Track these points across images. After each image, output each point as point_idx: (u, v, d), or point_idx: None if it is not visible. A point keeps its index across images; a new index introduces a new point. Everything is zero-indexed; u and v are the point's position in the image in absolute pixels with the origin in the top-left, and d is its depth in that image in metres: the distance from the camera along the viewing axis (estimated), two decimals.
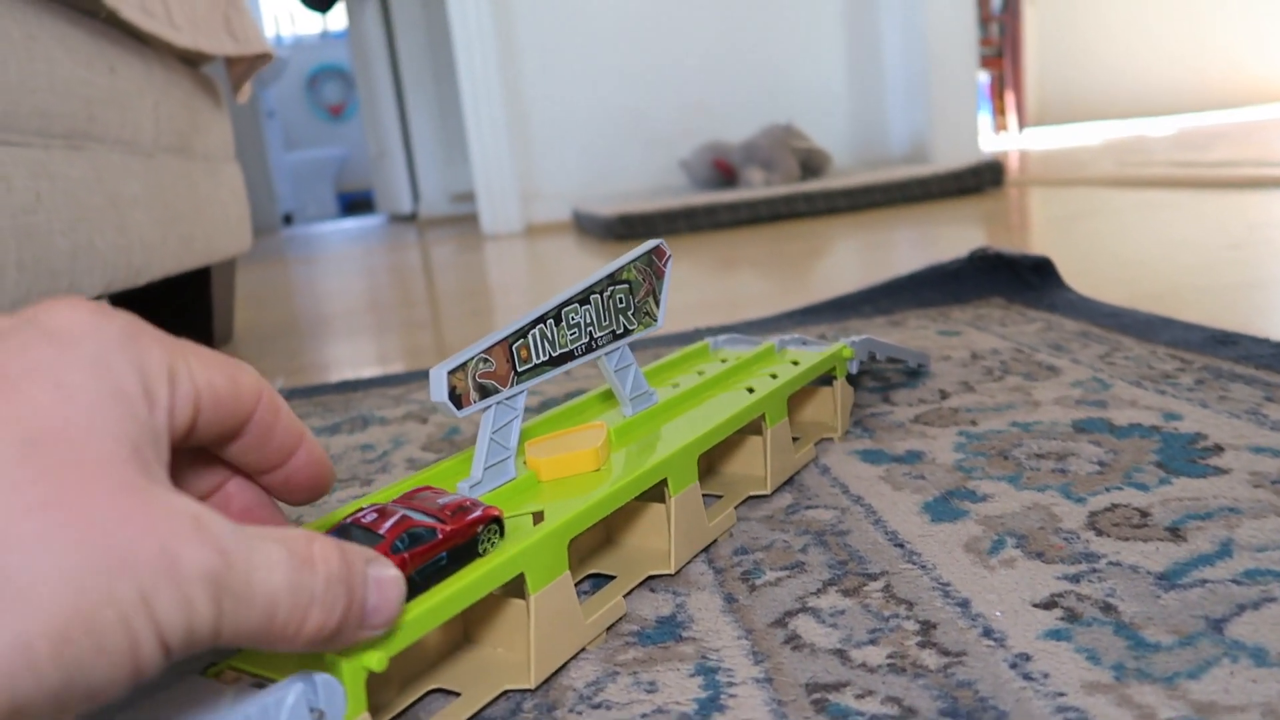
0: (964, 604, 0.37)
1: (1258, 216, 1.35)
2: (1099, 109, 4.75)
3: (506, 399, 0.40)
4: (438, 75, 3.73)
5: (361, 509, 0.33)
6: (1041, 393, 0.62)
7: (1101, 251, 1.21)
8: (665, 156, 2.86)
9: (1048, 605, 0.36)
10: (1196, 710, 0.29)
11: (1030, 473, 0.49)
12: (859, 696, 0.32)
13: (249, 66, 1.19)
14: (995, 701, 0.30)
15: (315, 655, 0.29)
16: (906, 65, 2.77)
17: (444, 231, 3.16)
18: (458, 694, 0.34)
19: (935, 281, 0.96)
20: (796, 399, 0.59)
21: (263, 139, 5.04)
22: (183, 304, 1.24)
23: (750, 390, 0.51)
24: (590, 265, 1.77)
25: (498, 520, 0.34)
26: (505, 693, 0.34)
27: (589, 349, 0.45)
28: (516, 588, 0.34)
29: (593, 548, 0.45)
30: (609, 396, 0.53)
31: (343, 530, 0.32)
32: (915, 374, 0.69)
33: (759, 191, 2.25)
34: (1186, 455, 0.48)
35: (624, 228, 2.09)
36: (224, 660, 0.29)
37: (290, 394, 0.88)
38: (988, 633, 0.34)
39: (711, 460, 0.53)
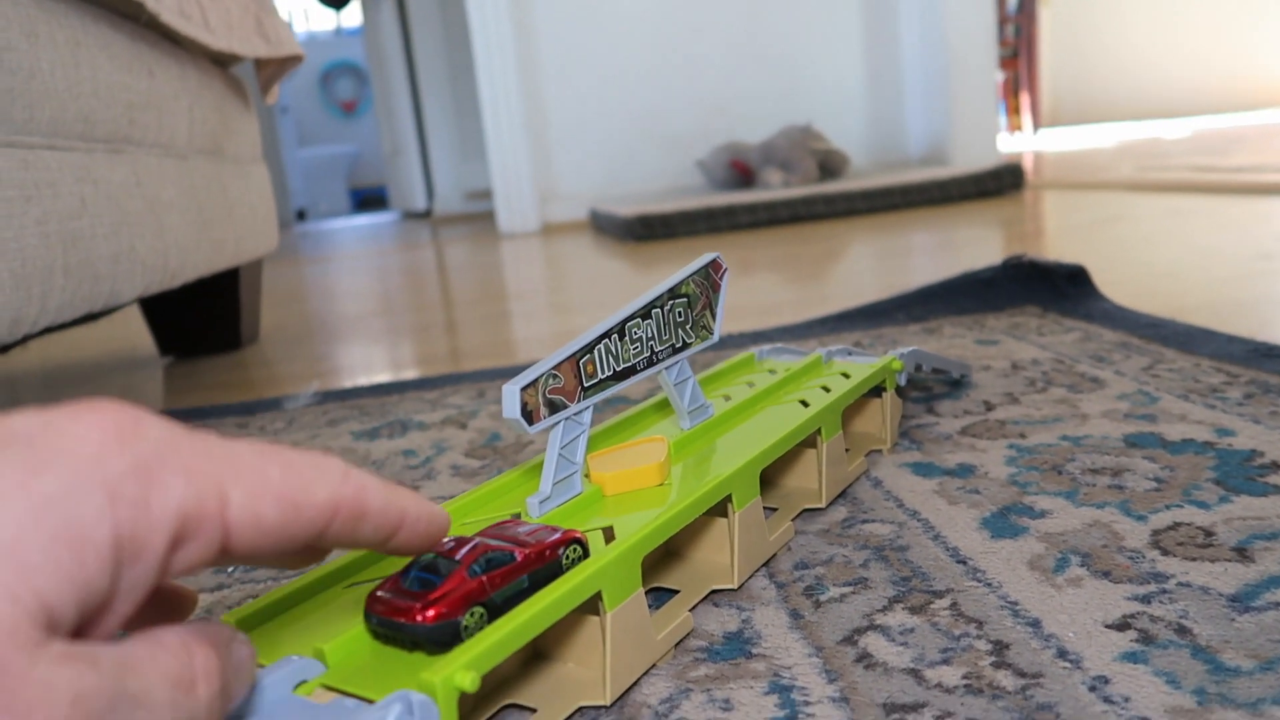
0: (1035, 624, 0.37)
1: None
2: (1113, 110, 4.74)
3: (574, 414, 0.40)
4: (453, 72, 3.74)
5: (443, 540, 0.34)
6: (1088, 405, 0.62)
7: (1130, 260, 1.20)
8: (683, 157, 2.86)
9: (1120, 626, 0.36)
10: None
11: (1086, 488, 0.49)
12: (939, 718, 0.32)
13: (279, 68, 1.20)
14: None
15: (409, 674, 0.29)
16: (925, 67, 2.77)
17: (459, 230, 3.16)
18: (533, 710, 0.34)
19: (969, 289, 0.96)
20: (846, 411, 0.59)
21: (276, 135, 5.05)
22: (212, 305, 1.24)
23: (804, 403, 0.51)
24: (607, 266, 1.77)
25: (579, 542, 0.34)
26: (580, 709, 0.35)
27: (650, 363, 0.45)
28: (590, 604, 0.35)
29: (654, 560, 0.45)
30: (663, 406, 0.53)
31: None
32: (957, 384, 0.69)
33: (777, 193, 2.24)
34: (1244, 473, 0.48)
35: (642, 228, 2.09)
36: (315, 678, 0.30)
37: (325, 397, 0.89)
38: (1062, 654, 0.34)
39: (765, 472, 0.53)
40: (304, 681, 0.30)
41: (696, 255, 0.49)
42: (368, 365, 1.12)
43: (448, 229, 3.26)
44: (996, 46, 2.91)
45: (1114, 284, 1.00)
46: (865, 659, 0.36)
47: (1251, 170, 2.03)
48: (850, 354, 0.62)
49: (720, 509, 0.43)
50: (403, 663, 0.30)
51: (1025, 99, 4.55)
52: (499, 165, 2.73)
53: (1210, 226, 1.42)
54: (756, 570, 0.44)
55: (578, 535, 0.35)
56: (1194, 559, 0.40)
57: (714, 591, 0.42)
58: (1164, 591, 0.38)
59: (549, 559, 0.34)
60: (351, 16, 5.49)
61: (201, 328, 1.25)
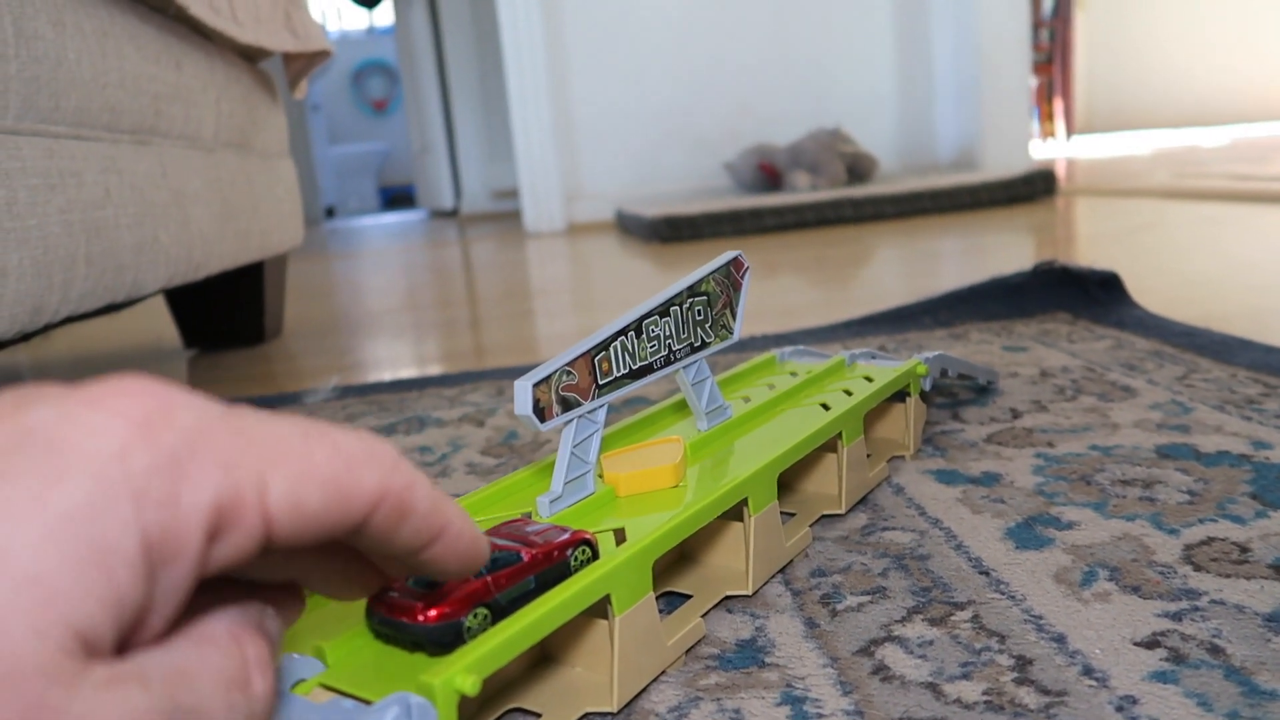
0: (1059, 639, 0.35)
1: None
2: (1149, 117, 4.67)
3: (588, 412, 0.40)
4: (483, 72, 3.75)
5: None
6: (1119, 414, 0.60)
7: (1164, 268, 1.18)
8: (710, 159, 2.85)
9: (1150, 645, 0.34)
10: None
11: (1116, 500, 0.47)
12: None
13: (307, 63, 1.20)
14: None
15: (408, 675, 0.28)
16: (957, 70, 2.74)
17: (485, 228, 3.17)
18: (538, 715, 0.33)
19: (997, 294, 0.94)
20: (868, 415, 0.58)
21: (307, 132, 5.09)
22: (236, 298, 1.25)
23: (825, 406, 0.50)
24: (632, 267, 1.76)
25: (589, 543, 0.34)
26: (587, 715, 0.34)
27: (668, 362, 0.44)
28: (599, 607, 0.34)
29: (667, 564, 0.44)
30: (680, 407, 0.52)
31: None
32: (984, 391, 0.68)
33: (805, 196, 2.23)
34: None
35: (668, 230, 2.08)
36: (313, 677, 0.29)
37: (344, 392, 0.88)
38: (1088, 671, 0.33)
39: (784, 476, 0.52)
40: (302, 680, 0.29)
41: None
42: (391, 361, 1.12)
43: (474, 228, 3.27)
44: (1030, 51, 2.87)
45: (1147, 292, 0.98)
46: (882, 671, 0.35)
47: None
48: (874, 357, 0.60)
49: (736, 513, 0.42)
50: (403, 664, 0.30)
51: (1059, 105, 4.50)
52: (526, 165, 2.73)
53: (1247, 235, 1.39)
54: (772, 576, 0.43)
55: (587, 536, 0.34)
56: (1228, 575, 0.38)
57: (728, 597, 0.41)
58: (1196, 609, 0.36)
59: (557, 560, 0.33)
60: (384, 16, 5.52)
61: (225, 321, 1.26)
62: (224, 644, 0.20)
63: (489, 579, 0.31)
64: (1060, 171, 2.89)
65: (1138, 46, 4.65)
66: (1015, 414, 0.62)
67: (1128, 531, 0.43)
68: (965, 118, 2.74)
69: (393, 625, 0.30)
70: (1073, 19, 4.46)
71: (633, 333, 0.42)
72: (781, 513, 0.47)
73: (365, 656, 0.30)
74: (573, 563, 0.33)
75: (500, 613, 0.31)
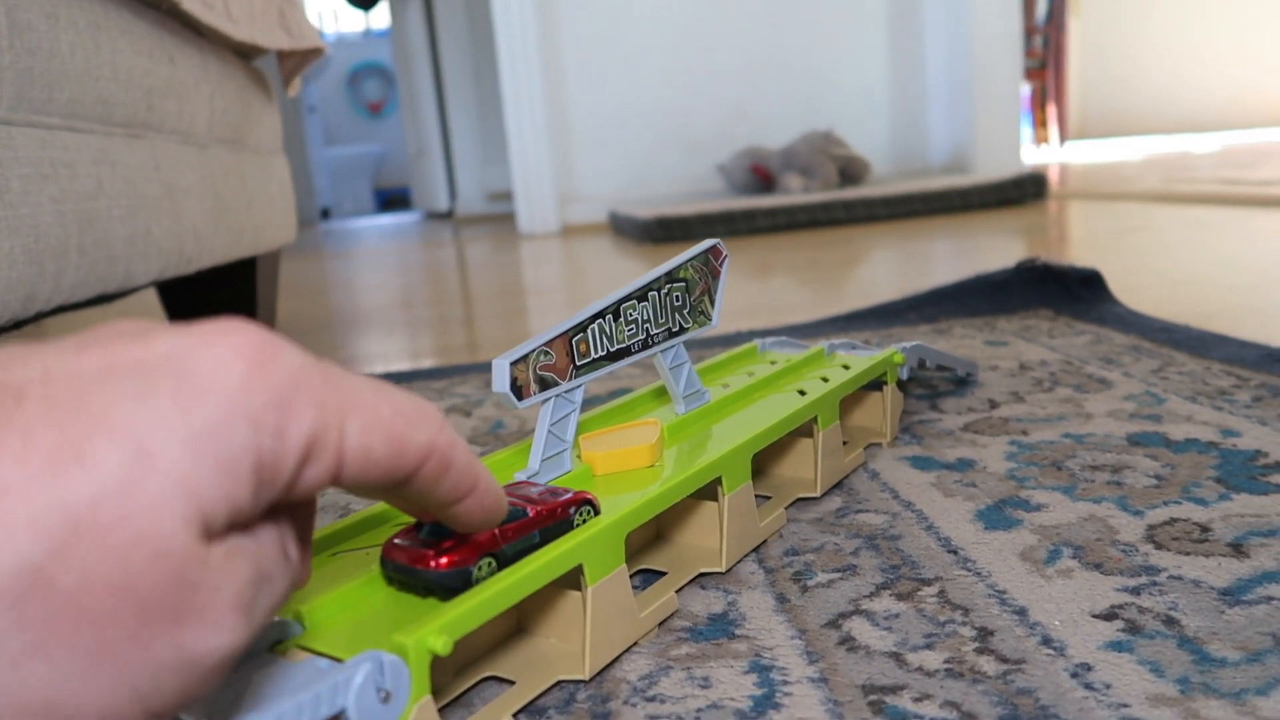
0: (1021, 612, 0.36)
1: None
2: (1142, 123, 4.69)
3: (565, 392, 0.41)
4: (478, 75, 3.76)
5: None
6: (1093, 405, 0.61)
7: (1148, 268, 1.19)
8: (704, 161, 2.86)
9: (1108, 616, 0.35)
10: None
11: (1085, 484, 0.48)
12: (917, 700, 0.31)
13: (301, 61, 1.21)
14: (1056, 710, 0.30)
15: (382, 636, 0.29)
16: (950, 75, 2.75)
17: (480, 230, 3.17)
18: (512, 682, 0.34)
19: (981, 291, 0.95)
20: (846, 403, 0.59)
21: (303, 134, 5.10)
22: (228, 293, 1.25)
23: (802, 393, 0.51)
24: (625, 267, 1.77)
25: (590, 503, 0.36)
26: (559, 683, 0.34)
27: (645, 346, 0.45)
28: (572, 579, 0.35)
29: (644, 543, 0.45)
30: (660, 394, 0.53)
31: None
32: (963, 382, 0.69)
33: (797, 198, 2.24)
34: (1247, 472, 0.47)
35: (661, 231, 2.09)
36: (291, 638, 0.30)
37: None
38: (1047, 641, 0.34)
39: (761, 461, 0.53)
40: (280, 641, 0.30)
41: None
42: (382, 356, 1.13)
43: (469, 229, 3.28)
44: (1022, 56, 2.89)
45: (1131, 290, 0.99)
46: (848, 642, 0.36)
47: (1278, 184, 2.00)
48: (854, 348, 0.61)
49: (711, 493, 0.43)
50: (379, 626, 0.30)
51: (1053, 111, 4.52)
52: (520, 167, 2.74)
53: (1232, 237, 1.40)
54: (746, 555, 0.44)
55: (589, 496, 0.36)
56: (1188, 553, 0.39)
57: (702, 574, 0.42)
58: (1155, 584, 0.37)
59: (560, 517, 0.35)
60: (380, 18, 5.54)
61: (218, 316, 1.26)
62: (270, 523, 0.23)
63: (496, 531, 0.32)
64: (1053, 176, 2.90)
65: (1131, 53, 4.68)
66: (993, 404, 0.63)
67: (1094, 513, 0.44)
68: (957, 122, 2.76)
69: (406, 572, 0.32)
70: (1066, 25, 4.48)
71: (610, 316, 0.43)
72: (758, 496, 0.48)
73: (343, 619, 0.31)
74: (576, 520, 0.35)
75: (505, 562, 0.32)
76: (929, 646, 0.35)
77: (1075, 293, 0.92)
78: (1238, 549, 0.39)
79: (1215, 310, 0.89)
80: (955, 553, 0.42)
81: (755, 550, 0.44)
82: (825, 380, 0.53)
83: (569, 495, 0.35)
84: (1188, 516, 0.43)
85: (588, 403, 0.73)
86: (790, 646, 0.36)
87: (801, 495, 0.49)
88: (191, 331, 0.22)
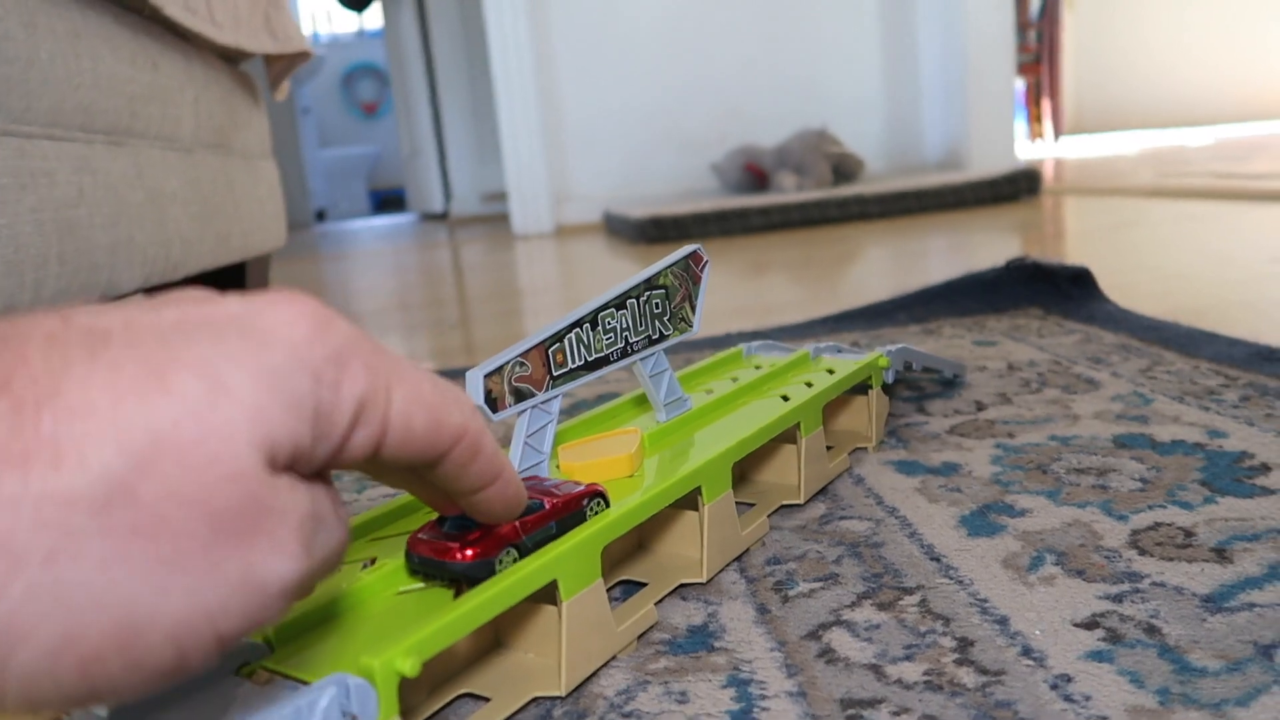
0: (1002, 621, 0.36)
1: None
2: (1136, 118, 4.69)
3: (541, 403, 0.40)
4: (472, 75, 3.75)
5: None
6: (1080, 406, 0.61)
7: (1141, 263, 1.19)
8: (697, 160, 2.86)
9: (1089, 625, 0.35)
10: None
11: (1070, 488, 0.48)
12: (895, 714, 0.31)
13: (288, 64, 1.20)
14: None
15: (349, 659, 0.29)
16: (943, 71, 2.75)
17: (475, 231, 3.17)
18: (487, 699, 0.34)
19: (971, 290, 0.95)
20: (830, 407, 0.58)
21: (297, 136, 5.09)
22: None
23: (785, 398, 0.51)
24: (619, 267, 1.76)
25: (602, 495, 0.37)
26: (535, 699, 0.34)
27: (624, 354, 0.44)
28: (549, 594, 0.34)
29: (624, 554, 0.44)
30: (642, 401, 0.52)
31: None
32: (951, 384, 0.68)
33: (791, 196, 2.23)
34: (1232, 474, 0.47)
35: (655, 230, 2.08)
36: (257, 661, 0.29)
37: None
38: (1027, 651, 0.34)
39: (744, 468, 0.52)
40: (246, 664, 0.29)
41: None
42: None
43: (464, 230, 3.27)
44: (1015, 52, 2.88)
45: (1124, 286, 0.98)
46: (827, 654, 0.35)
47: (1271, 177, 2.00)
48: (840, 351, 0.61)
49: (692, 502, 0.42)
50: (347, 647, 0.30)
51: (1047, 106, 4.51)
52: (514, 167, 2.73)
53: (1225, 231, 1.40)
54: (728, 565, 0.43)
55: (600, 489, 0.37)
56: (1171, 559, 0.39)
57: (683, 585, 0.42)
58: (1137, 591, 0.37)
59: (575, 509, 0.36)
60: (374, 19, 5.53)
61: None
62: (321, 482, 0.24)
63: (517, 523, 0.33)
64: (1048, 172, 2.90)
65: (1125, 48, 4.67)
66: (979, 406, 0.63)
67: (1078, 518, 0.44)
68: (951, 118, 2.75)
69: (432, 564, 0.33)
70: (1060, 20, 4.48)
71: (588, 325, 0.42)
72: (740, 503, 0.48)
73: (310, 640, 0.31)
74: (588, 512, 0.36)
75: (525, 552, 0.33)
76: (909, 658, 0.34)
77: (1065, 291, 0.91)
78: (1221, 554, 0.39)
79: (1206, 305, 0.89)
80: (938, 560, 0.42)
81: (737, 559, 0.44)
82: (809, 385, 0.52)
83: (582, 488, 0.36)
84: (1172, 521, 0.43)
85: (574, 408, 0.72)
86: (769, 659, 0.35)
87: (785, 502, 0.49)
88: (256, 297, 0.24)
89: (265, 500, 0.21)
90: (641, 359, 0.46)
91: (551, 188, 2.78)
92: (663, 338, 0.47)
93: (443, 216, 4.00)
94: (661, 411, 0.48)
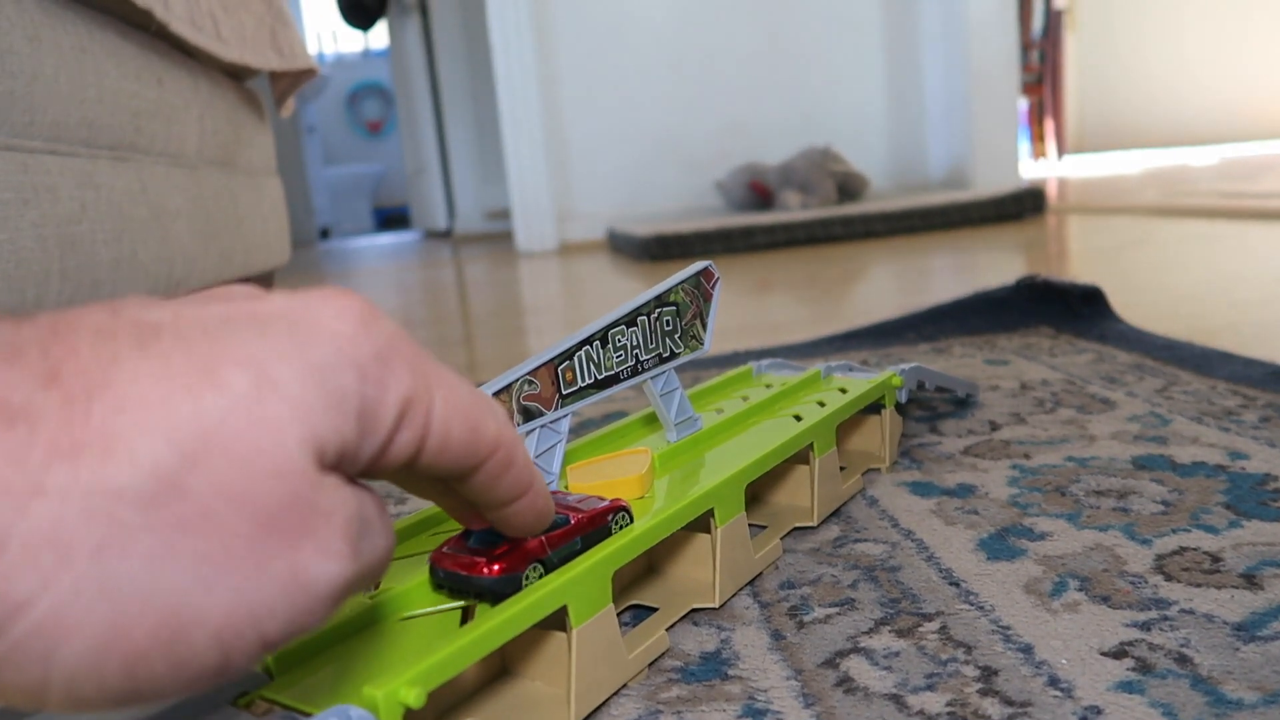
0: (1026, 650, 0.35)
1: None
2: (1139, 137, 4.69)
3: (551, 422, 0.39)
4: (476, 94, 3.76)
5: None
6: (1097, 427, 0.59)
7: (1150, 283, 1.18)
8: (701, 178, 2.86)
9: (1117, 654, 0.34)
10: None
11: (1090, 511, 0.47)
12: None
13: (293, 81, 1.20)
14: None
15: (351, 688, 0.28)
16: (947, 90, 2.75)
17: (479, 248, 3.17)
18: None
19: (981, 309, 0.94)
20: (843, 427, 0.57)
21: (302, 154, 5.10)
22: None
23: (797, 418, 0.50)
24: (623, 285, 1.76)
25: (626, 510, 0.36)
26: None
27: (634, 372, 0.44)
28: (558, 620, 0.33)
29: (633, 577, 0.43)
30: (651, 420, 0.51)
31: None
32: (963, 404, 0.67)
33: (795, 214, 2.23)
34: (1257, 497, 0.46)
35: (659, 248, 2.08)
36: (255, 690, 0.28)
37: None
38: (1054, 682, 0.32)
39: (756, 489, 0.51)
40: (245, 693, 0.28)
41: None
42: None
43: (468, 248, 3.27)
44: (1019, 71, 2.89)
45: (1133, 306, 0.97)
46: (846, 683, 0.34)
47: (1278, 197, 1.99)
48: (851, 370, 0.60)
49: (704, 525, 0.41)
50: (349, 676, 0.29)
51: (1050, 125, 4.52)
52: (518, 185, 2.73)
53: (1235, 251, 1.39)
54: (741, 589, 0.42)
55: (624, 504, 0.36)
56: (1199, 585, 0.38)
57: (695, 610, 0.41)
58: (1165, 619, 0.36)
59: (600, 524, 0.35)
60: (379, 38, 5.55)
61: None
62: (365, 487, 0.24)
63: (543, 538, 0.33)
64: (1051, 190, 2.90)
65: (1128, 67, 4.68)
66: (994, 426, 0.62)
67: (1100, 542, 0.43)
68: (955, 137, 2.75)
69: (458, 580, 0.32)
70: (1063, 40, 4.49)
71: (598, 342, 0.41)
72: (752, 525, 0.47)
73: (310, 668, 0.30)
74: (613, 527, 0.36)
75: (551, 568, 0.33)
76: (930, 688, 0.33)
77: (1076, 310, 0.90)
78: (1251, 580, 0.38)
79: (1219, 326, 0.88)
80: (957, 585, 0.40)
81: (750, 583, 0.43)
82: (822, 405, 0.51)
83: (607, 503, 0.36)
84: (1197, 545, 0.42)
85: (582, 426, 0.71)
86: (785, 688, 0.34)
87: (798, 524, 0.48)
88: (301, 294, 0.24)
89: (312, 499, 0.21)
90: (652, 377, 0.45)
91: (555, 205, 2.78)
92: (674, 355, 0.46)
93: (447, 234, 4.01)
94: (672, 431, 0.47)
